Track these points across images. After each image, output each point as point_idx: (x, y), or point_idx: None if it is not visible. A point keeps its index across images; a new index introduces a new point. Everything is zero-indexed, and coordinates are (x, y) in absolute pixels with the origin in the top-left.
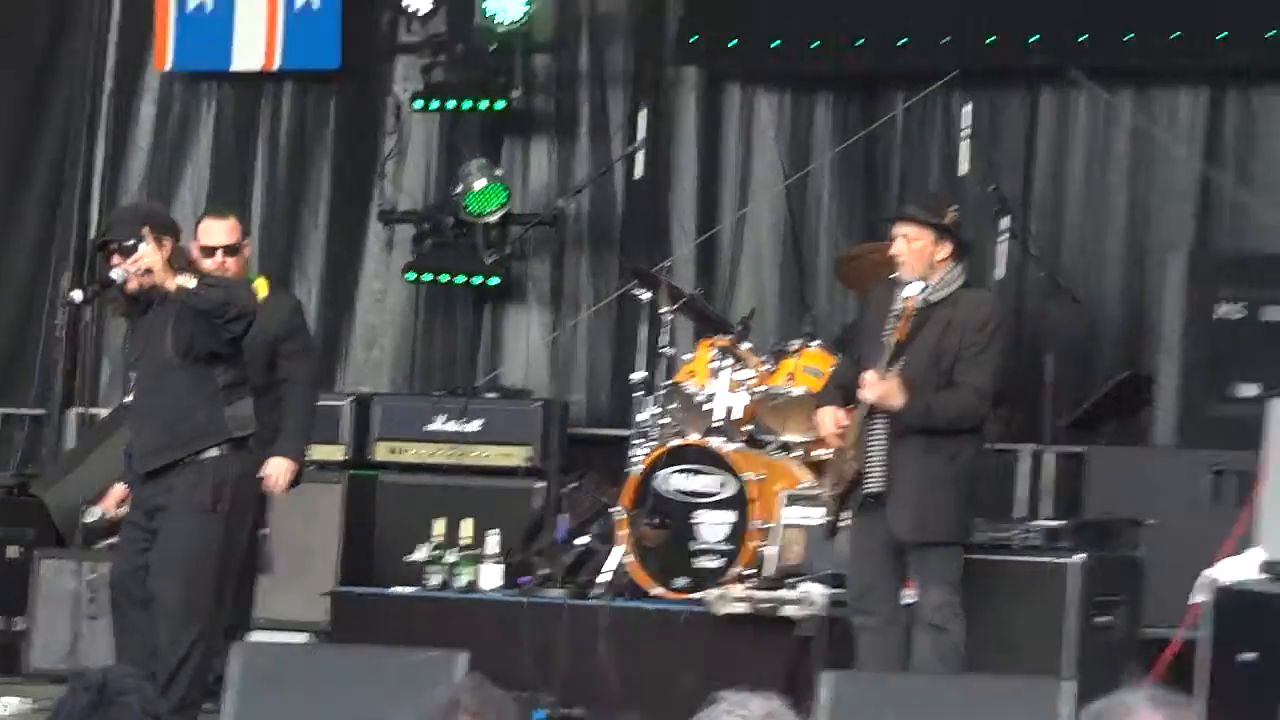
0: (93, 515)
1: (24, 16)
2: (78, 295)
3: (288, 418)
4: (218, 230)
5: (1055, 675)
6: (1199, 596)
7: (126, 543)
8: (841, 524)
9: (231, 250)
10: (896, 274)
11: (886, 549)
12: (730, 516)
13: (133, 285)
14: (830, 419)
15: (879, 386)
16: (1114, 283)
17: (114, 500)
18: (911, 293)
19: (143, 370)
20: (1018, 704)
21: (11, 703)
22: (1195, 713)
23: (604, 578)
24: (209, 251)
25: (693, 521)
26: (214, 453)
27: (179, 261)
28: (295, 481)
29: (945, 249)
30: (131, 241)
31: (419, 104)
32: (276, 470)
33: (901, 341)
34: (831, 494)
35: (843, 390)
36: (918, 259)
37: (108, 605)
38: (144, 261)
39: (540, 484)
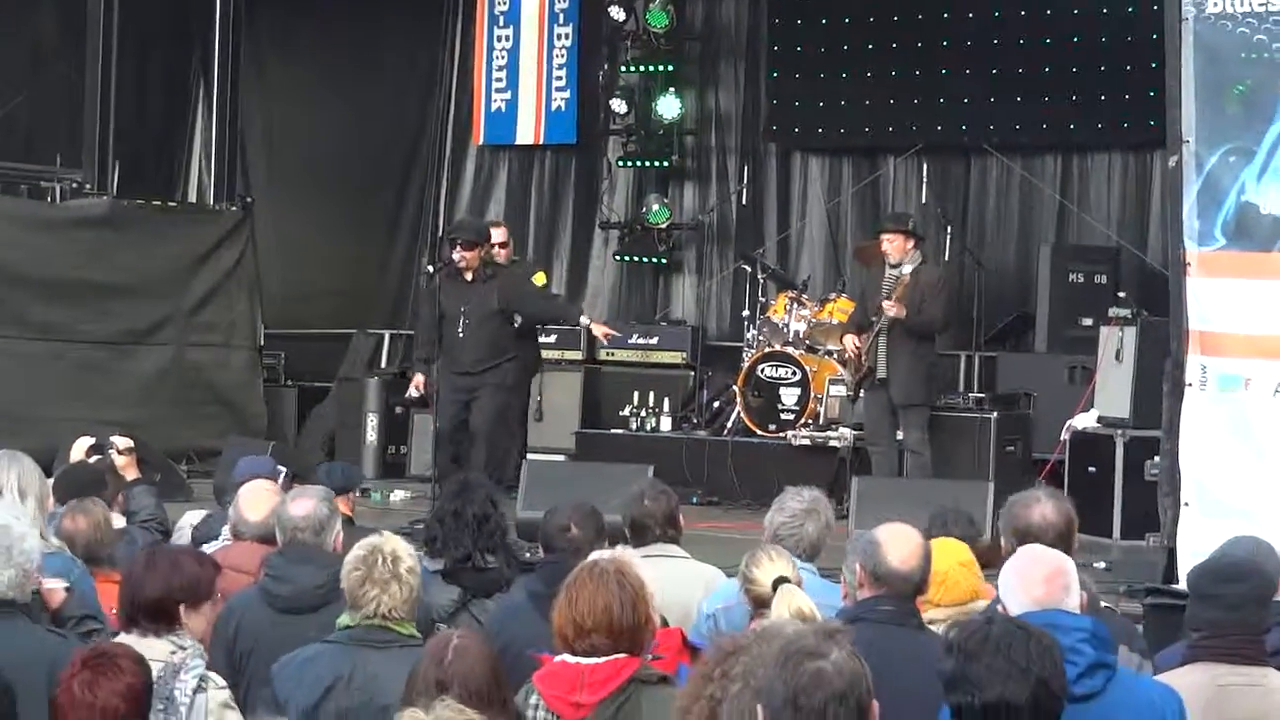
0: (410, 394)
1: (399, 109)
2: (430, 269)
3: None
4: (499, 232)
5: (983, 480)
6: (1064, 435)
7: (452, 407)
8: (859, 397)
9: (504, 244)
10: (889, 260)
11: (886, 409)
12: (798, 391)
13: (461, 266)
14: (851, 340)
15: (894, 307)
16: (1012, 262)
17: (416, 385)
18: (905, 271)
19: (472, 313)
20: (963, 494)
21: (401, 494)
22: (1066, 502)
23: (729, 423)
24: (492, 247)
25: (778, 393)
26: (509, 363)
27: (487, 255)
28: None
29: (912, 242)
30: (471, 239)
31: (622, 163)
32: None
33: (900, 292)
34: (854, 380)
35: (856, 325)
36: (899, 250)
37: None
38: (471, 254)
39: (691, 373)
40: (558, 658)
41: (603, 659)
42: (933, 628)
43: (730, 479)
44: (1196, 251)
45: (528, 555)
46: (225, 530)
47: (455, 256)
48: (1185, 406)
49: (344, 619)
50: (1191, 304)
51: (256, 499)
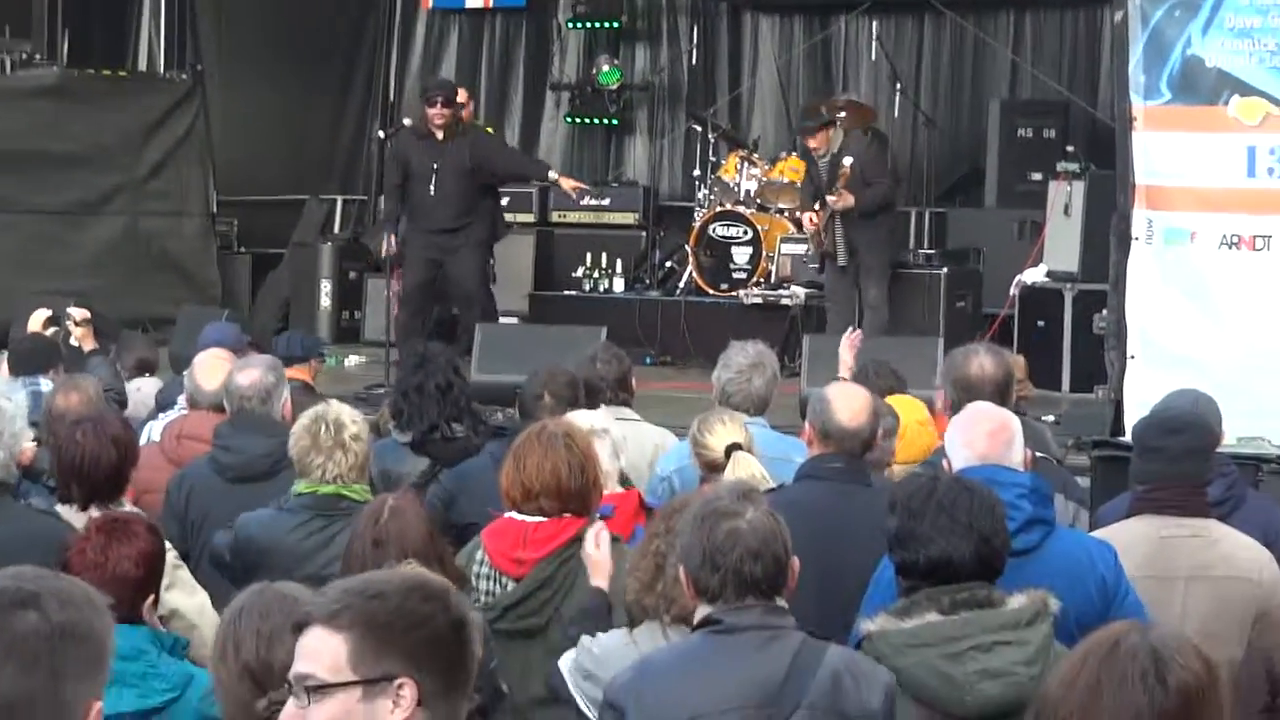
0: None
1: None
2: (381, 134)
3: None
4: (459, 94)
5: (934, 335)
6: (1013, 290)
7: (422, 265)
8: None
9: (465, 105)
10: (817, 155)
11: (850, 275)
12: (749, 250)
13: (438, 123)
14: (808, 217)
15: (840, 199)
16: (962, 120)
17: (387, 245)
18: (846, 164)
19: (444, 170)
20: (915, 350)
21: (356, 359)
22: (1005, 355)
23: (681, 284)
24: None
25: (730, 252)
26: (480, 222)
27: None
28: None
29: (832, 129)
30: (447, 95)
31: (572, 25)
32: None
33: (842, 183)
34: (815, 253)
35: (811, 198)
36: (823, 142)
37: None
38: (449, 110)
39: (644, 234)
40: (506, 513)
41: (547, 518)
42: None
43: (683, 339)
44: (1143, 106)
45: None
46: (181, 399)
47: (431, 113)
48: (1131, 260)
49: (298, 485)
50: (1138, 158)
51: (211, 367)
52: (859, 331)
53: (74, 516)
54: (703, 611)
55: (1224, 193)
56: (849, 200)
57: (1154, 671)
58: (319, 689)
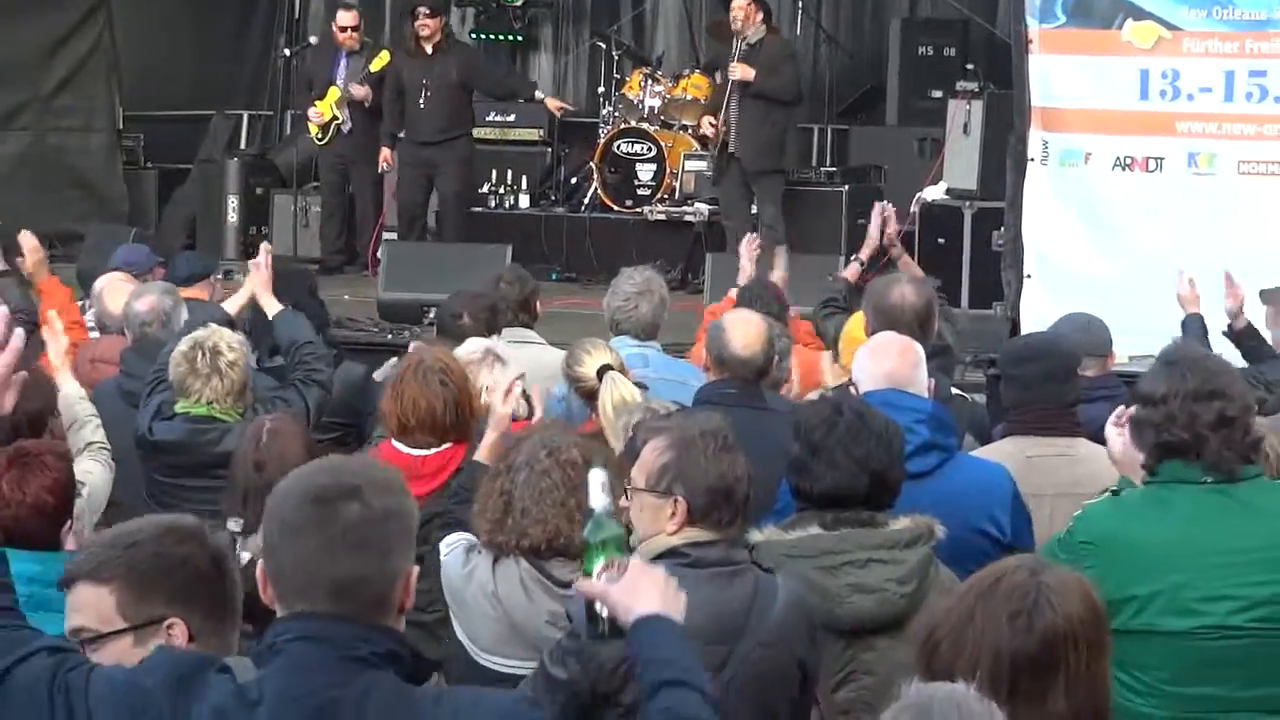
0: (381, 168)
1: None
2: (286, 52)
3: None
4: (348, 15)
5: (834, 254)
6: (914, 207)
7: (414, 176)
8: (720, 177)
9: (355, 28)
10: (734, 27)
11: (740, 183)
12: (654, 166)
13: (427, 32)
14: (707, 120)
15: (740, 69)
16: (863, 38)
17: (384, 159)
18: (752, 40)
19: (433, 84)
20: (816, 268)
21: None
22: (928, 286)
23: (586, 200)
24: (344, 29)
25: (634, 169)
26: (466, 136)
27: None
28: None
29: (760, 13)
30: (435, 5)
31: None
32: None
33: (749, 53)
34: (712, 155)
35: (713, 106)
36: (748, 18)
37: (315, 219)
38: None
39: (549, 150)
40: (391, 440)
41: (432, 450)
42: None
43: (588, 255)
44: (1038, 28)
45: (389, 336)
46: (91, 319)
47: (418, 26)
48: (1028, 181)
49: (177, 404)
50: (1034, 81)
51: (116, 291)
52: (756, 236)
53: None
54: (667, 541)
55: (1117, 114)
56: (749, 73)
57: (1025, 614)
58: (93, 640)
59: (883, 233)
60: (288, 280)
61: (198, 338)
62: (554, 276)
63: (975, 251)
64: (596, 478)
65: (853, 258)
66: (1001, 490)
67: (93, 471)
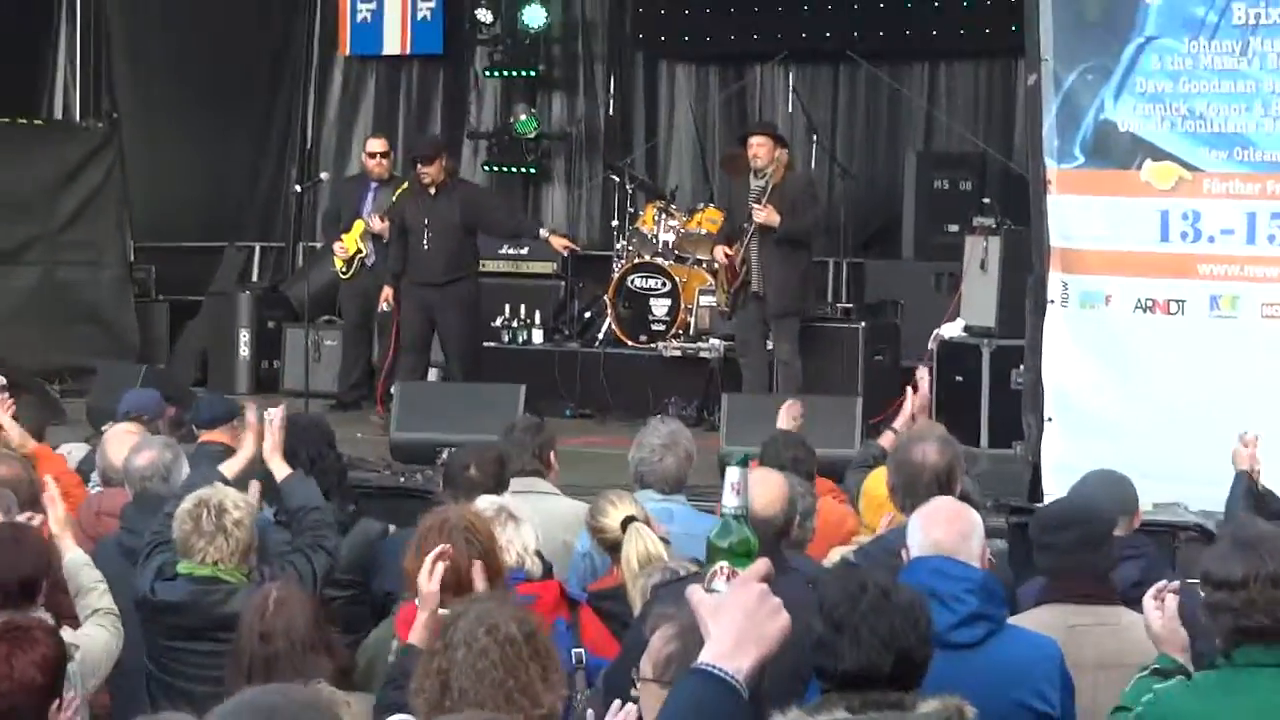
0: (381, 308)
1: (265, 19)
2: (298, 188)
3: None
4: (379, 143)
5: (852, 395)
6: (931, 345)
7: (417, 320)
8: (734, 312)
9: (385, 155)
10: (755, 164)
11: (757, 321)
12: (668, 302)
13: (428, 180)
14: (721, 251)
15: (763, 213)
16: (878, 171)
17: (385, 298)
18: (770, 178)
19: (435, 225)
20: (836, 410)
21: (275, 411)
22: (953, 445)
23: (601, 334)
24: (373, 155)
25: (648, 304)
26: (469, 278)
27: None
28: None
29: (779, 150)
30: (428, 153)
31: (489, 74)
32: None
33: (770, 194)
34: (727, 293)
35: (726, 237)
36: (766, 154)
37: (328, 353)
38: (433, 168)
39: (563, 283)
40: (415, 600)
41: None
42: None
43: (603, 391)
44: (1056, 169)
45: (401, 479)
46: (95, 476)
47: (421, 171)
48: (1048, 323)
49: (180, 565)
50: (1052, 221)
51: (121, 443)
52: (797, 403)
53: None
54: None
55: (1138, 256)
56: (774, 218)
57: None
58: None
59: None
60: (305, 432)
61: (202, 496)
62: (568, 413)
63: (994, 389)
64: (731, 476)
65: (888, 428)
66: (1050, 663)
67: (93, 635)
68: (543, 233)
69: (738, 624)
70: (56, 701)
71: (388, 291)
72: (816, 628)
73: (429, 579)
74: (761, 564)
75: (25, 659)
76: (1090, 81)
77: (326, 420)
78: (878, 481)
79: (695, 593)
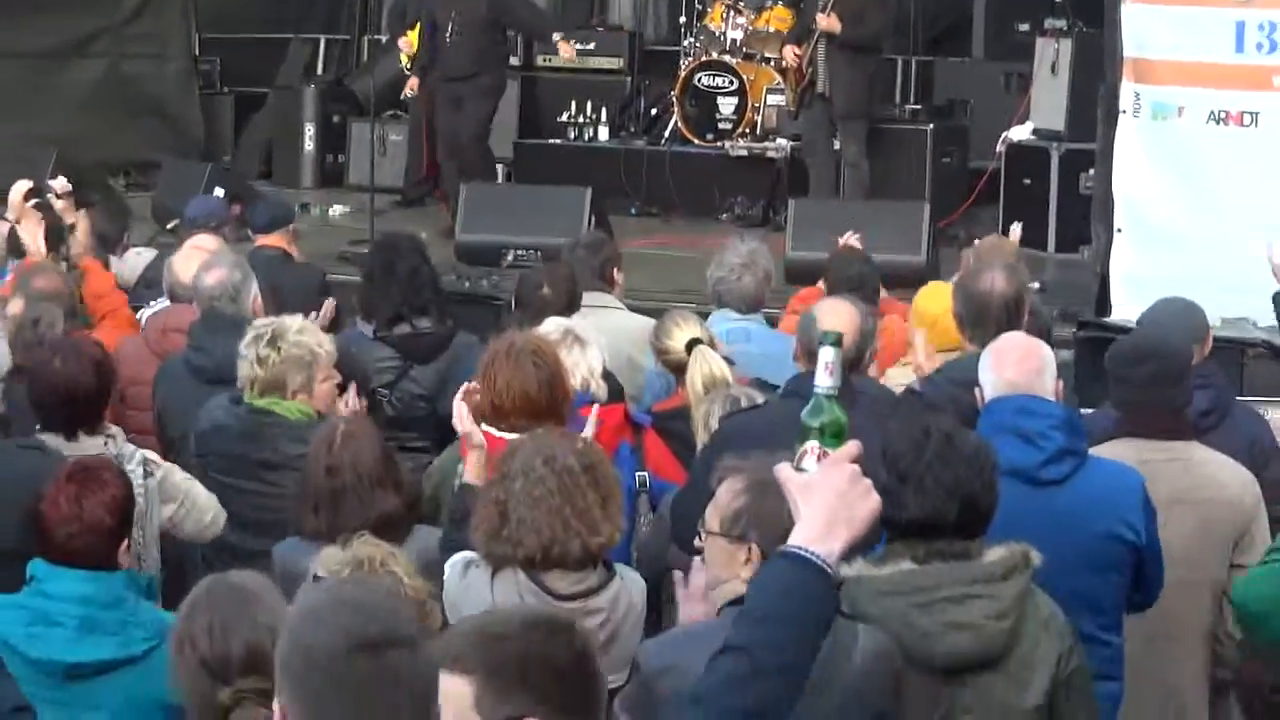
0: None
1: None
2: None
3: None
4: None
5: (920, 199)
6: (999, 148)
7: (446, 113)
8: (800, 111)
9: None
10: None
11: (824, 122)
12: (735, 100)
13: None
14: (790, 51)
15: (826, 20)
16: None
17: (411, 86)
18: None
19: (461, 19)
20: (901, 215)
21: (340, 209)
22: (1020, 275)
23: (667, 132)
24: None
25: (715, 102)
26: (493, 73)
27: None
28: None
29: None
30: None
31: None
32: None
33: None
34: (794, 93)
35: (795, 36)
36: None
37: (393, 148)
38: None
39: (629, 79)
40: (483, 425)
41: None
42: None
43: (668, 190)
44: None
45: (467, 285)
46: (158, 304)
47: None
48: (1119, 133)
49: (246, 396)
50: (1126, 30)
51: (190, 259)
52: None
53: (63, 446)
54: (739, 589)
55: (1212, 67)
56: (835, 25)
57: None
58: None
59: None
60: (401, 247)
61: (263, 330)
62: (633, 211)
63: (1062, 194)
64: (825, 356)
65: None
66: (1134, 494)
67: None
68: (555, 37)
69: (829, 505)
70: (125, 542)
71: (414, 81)
72: (881, 477)
73: (460, 420)
74: (852, 445)
75: (94, 500)
76: None
77: (419, 237)
78: (929, 299)
79: (784, 469)
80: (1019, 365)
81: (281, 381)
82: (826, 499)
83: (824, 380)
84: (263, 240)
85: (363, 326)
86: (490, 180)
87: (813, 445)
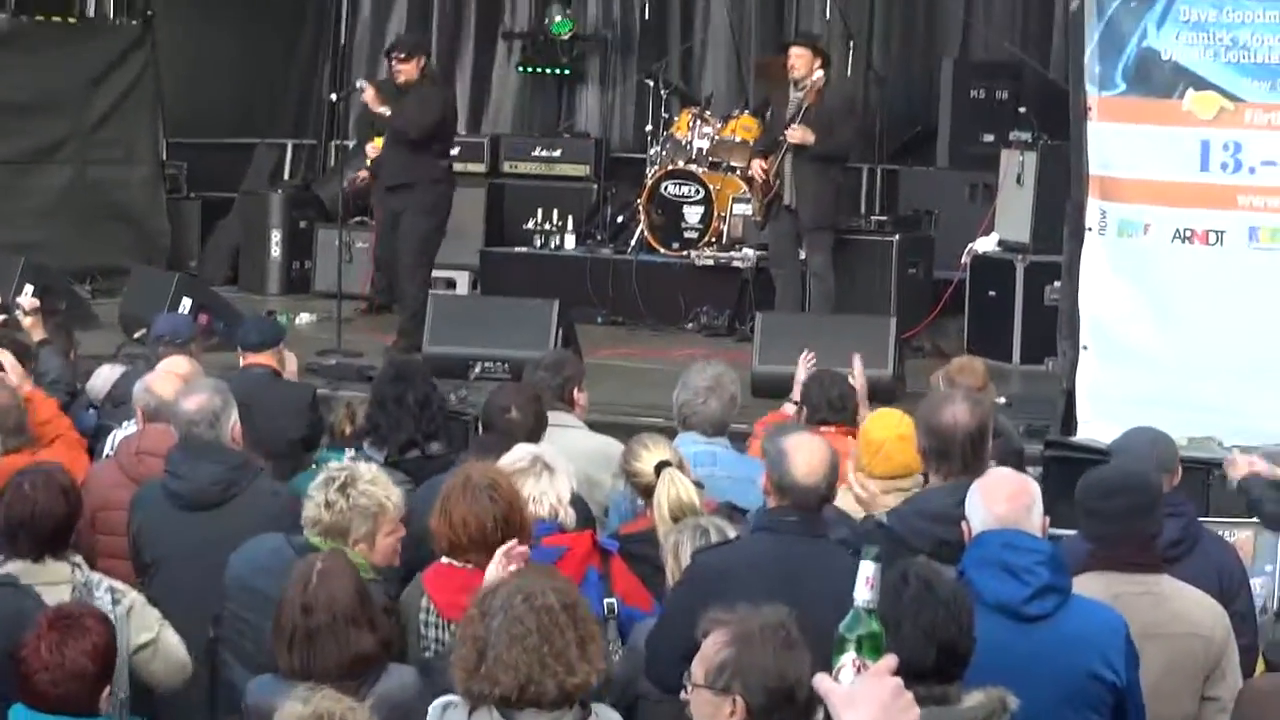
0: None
1: None
2: (334, 96)
3: None
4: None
5: (885, 314)
6: (965, 259)
7: (381, 228)
8: (766, 223)
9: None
10: (793, 75)
11: (791, 233)
12: (701, 209)
13: (402, 78)
14: (758, 164)
15: (799, 133)
16: (914, 78)
17: (360, 176)
18: (811, 84)
19: (391, 128)
20: (868, 330)
21: (307, 317)
22: (983, 405)
23: (633, 241)
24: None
25: (681, 211)
26: (424, 186)
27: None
28: None
29: (818, 60)
30: (402, 52)
31: None
32: None
33: (806, 111)
34: (760, 204)
35: (763, 149)
36: (805, 65)
37: (359, 254)
38: (408, 66)
39: (595, 186)
40: (443, 559)
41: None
42: (868, 495)
43: (634, 299)
44: (1097, 96)
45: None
46: (129, 425)
47: (394, 69)
48: (1085, 250)
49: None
50: (1092, 148)
51: (166, 383)
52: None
53: (30, 570)
54: None
55: (1178, 186)
56: (808, 138)
57: None
58: None
59: None
60: (410, 376)
61: (335, 470)
62: (600, 320)
63: (1027, 305)
64: (865, 570)
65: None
66: (1117, 634)
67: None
68: (360, 83)
69: (874, 717)
70: (106, 689)
71: (364, 173)
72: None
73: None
74: (891, 659)
75: (76, 647)
76: (1134, 9)
77: (426, 365)
78: (877, 425)
79: (824, 681)
80: (1009, 501)
81: (345, 529)
82: (872, 710)
83: (863, 594)
84: (253, 359)
85: (371, 451)
86: (419, 310)
87: (851, 657)
